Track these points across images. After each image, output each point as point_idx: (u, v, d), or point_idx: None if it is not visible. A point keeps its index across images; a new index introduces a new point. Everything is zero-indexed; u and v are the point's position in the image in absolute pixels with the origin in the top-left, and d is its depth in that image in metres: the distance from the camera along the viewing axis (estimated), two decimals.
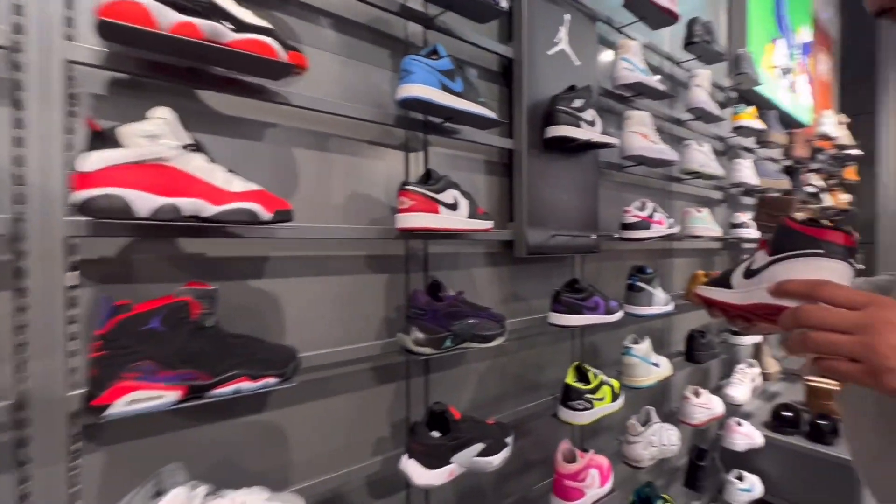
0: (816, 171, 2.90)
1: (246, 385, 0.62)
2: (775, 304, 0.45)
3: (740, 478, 1.90)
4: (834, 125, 2.92)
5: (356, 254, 0.93)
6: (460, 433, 0.83)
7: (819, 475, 1.91)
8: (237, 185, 0.62)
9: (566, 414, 1.12)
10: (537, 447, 1.32)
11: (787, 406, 2.14)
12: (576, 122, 1.11)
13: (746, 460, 2.08)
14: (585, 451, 1.18)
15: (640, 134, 1.33)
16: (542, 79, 1.17)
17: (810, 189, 2.74)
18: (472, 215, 0.90)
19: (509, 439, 0.93)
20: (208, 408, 0.71)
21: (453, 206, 0.86)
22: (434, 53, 0.85)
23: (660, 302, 1.37)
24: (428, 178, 0.85)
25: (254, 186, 0.64)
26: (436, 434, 0.83)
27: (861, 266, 3.44)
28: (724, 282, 0.53)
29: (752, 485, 1.90)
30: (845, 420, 0.59)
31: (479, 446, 0.86)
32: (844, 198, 3.28)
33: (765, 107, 2.30)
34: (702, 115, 1.67)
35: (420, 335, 0.81)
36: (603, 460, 1.24)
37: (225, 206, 0.60)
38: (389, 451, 0.95)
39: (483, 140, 1.08)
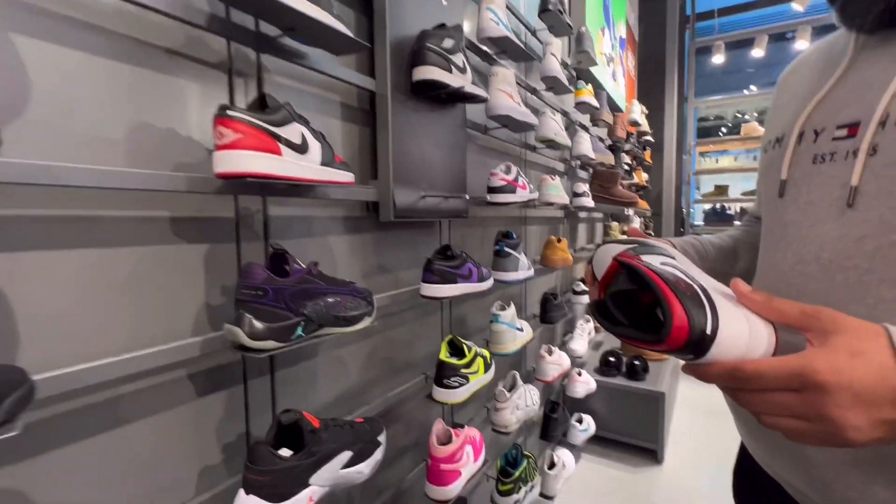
0: (628, 151, 3.40)
1: None
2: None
3: (580, 420, 2.13)
4: (640, 114, 3.45)
5: (155, 214, 0.63)
6: (320, 445, 0.64)
7: (634, 406, 2.28)
8: None
9: (442, 394, 1.01)
10: (409, 431, 1.21)
11: (611, 352, 2.49)
12: (447, 65, 0.97)
13: (584, 404, 2.37)
14: (459, 426, 1.11)
15: (507, 93, 1.27)
16: (408, 11, 0.99)
17: (625, 166, 3.20)
18: (328, 163, 0.69)
19: (382, 436, 0.78)
20: None
21: (301, 148, 0.63)
22: None
23: (524, 267, 1.36)
24: (263, 104, 0.61)
25: None
26: (286, 453, 0.63)
27: (651, 232, 4.25)
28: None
29: (588, 424, 2.16)
30: None
31: (346, 455, 0.68)
32: (644, 176, 3.96)
33: (597, 87, 2.54)
34: (555, 85, 1.71)
35: (258, 325, 0.58)
36: (475, 433, 1.19)
37: None
38: (223, 483, 0.71)
39: (338, 74, 0.86)
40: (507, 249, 1.29)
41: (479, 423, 1.46)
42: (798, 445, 0.48)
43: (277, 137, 0.59)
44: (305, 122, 0.66)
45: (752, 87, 7.09)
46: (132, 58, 0.61)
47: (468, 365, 1.04)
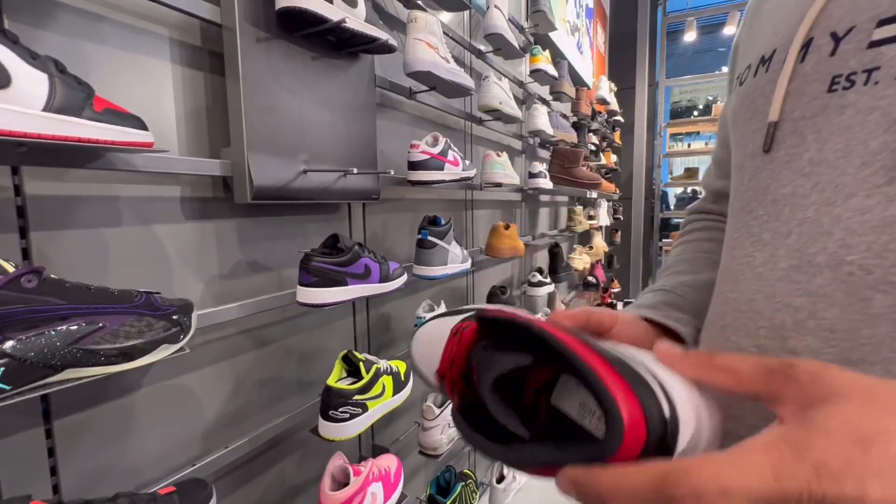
0: (595, 131, 3.20)
1: None
2: None
3: None
4: (608, 91, 3.25)
5: None
6: None
7: None
8: None
9: (327, 428, 0.78)
10: (307, 463, 0.98)
11: None
12: None
13: None
14: (369, 457, 0.89)
15: (428, 44, 1.02)
16: None
17: (591, 146, 3.00)
18: (70, 110, 0.43)
19: None
20: None
21: None
22: None
23: (457, 259, 1.14)
24: None
25: None
26: None
27: (620, 217, 4.10)
28: None
29: None
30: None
31: None
32: (613, 158, 3.78)
33: (559, 57, 2.31)
34: (501, 45, 1.47)
35: None
36: (390, 463, 0.97)
37: None
38: None
39: None
40: (431, 238, 1.05)
41: (407, 443, 1.25)
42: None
43: None
44: (11, 38, 0.40)
45: (724, 69, 7.01)
46: None
47: (365, 389, 0.81)
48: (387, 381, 0.87)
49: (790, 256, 0.30)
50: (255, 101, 0.71)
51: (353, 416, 0.78)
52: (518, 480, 1.64)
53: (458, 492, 1.20)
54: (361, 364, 0.83)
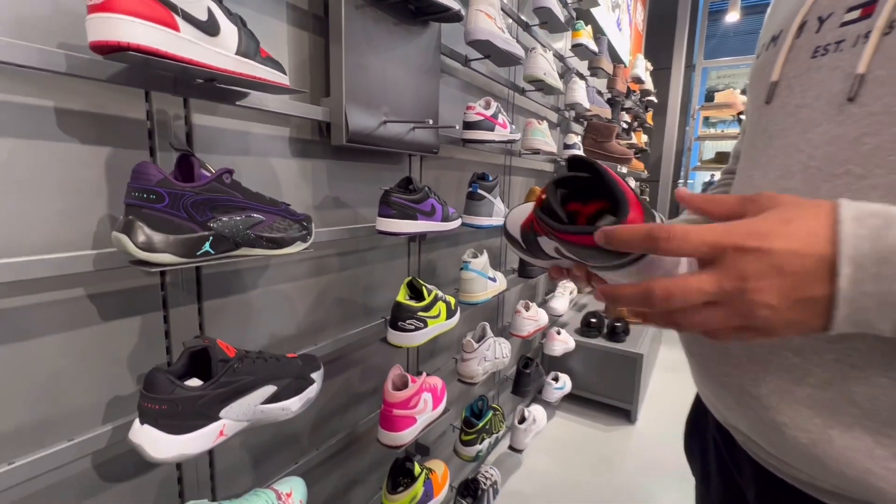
0: (628, 109, 3.24)
1: None
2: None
3: (556, 378, 2.11)
4: (644, 70, 3.26)
5: (36, 102, 0.53)
6: (233, 376, 0.57)
7: (612, 366, 2.26)
8: None
9: (396, 336, 0.95)
10: (368, 377, 1.16)
11: (594, 314, 2.45)
12: None
13: (562, 363, 2.35)
14: (421, 374, 1.06)
15: (487, 14, 1.13)
16: None
17: (623, 124, 3.05)
18: (248, 55, 0.58)
19: (317, 374, 0.72)
20: None
21: (209, 28, 0.52)
22: None
23: (500, 213, 1.27)
24: None
25: None
26: (194, 382, 0.56)
27: (646, 198, 4.15)
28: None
29: (565, 382, 2.14)
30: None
31: (268, 390, 0.62)
32: (644, 138, 3.81)
33: (599, 33, 2.36)
34: (549, 19, 1.56)
35: (151, 234, 0.50)
36: (437, 381, 1.14)
37: None
38: (133, 415, 0.65)
39: None
40: (480, 192, 1.19)
41: (447, 373, 1.42)
42: (749, 384, 0.42)
43: (171, 6, 0.48)
44: (218, 1, 0.54)
45: None
46: None
47: (427, 308, 0.97)
48: (442, 306, 1.03)
49: (777, 168, 0.43)
50: (352, 59, 0.85)
51: (416, 329, 0.95)
52: (537, 423, 1.81)
53: (489, 417, 1.38)
54: (424, 288, 0.98)
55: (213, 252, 0.55)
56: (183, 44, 0.50)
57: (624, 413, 2.27)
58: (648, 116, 3.91)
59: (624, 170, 3.12)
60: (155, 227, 0.50)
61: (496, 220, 1.26)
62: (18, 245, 0.53)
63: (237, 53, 0.56)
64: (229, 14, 0.56)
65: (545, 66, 1.52)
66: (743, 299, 0.29)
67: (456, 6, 0.94)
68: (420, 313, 0.95)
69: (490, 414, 1.39)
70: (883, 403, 0.35)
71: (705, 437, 0.59)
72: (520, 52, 1.24)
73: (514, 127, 1.32)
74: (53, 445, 0.55)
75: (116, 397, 0.64)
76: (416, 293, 1.01)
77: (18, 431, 0.55)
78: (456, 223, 1.05)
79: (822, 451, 0.37)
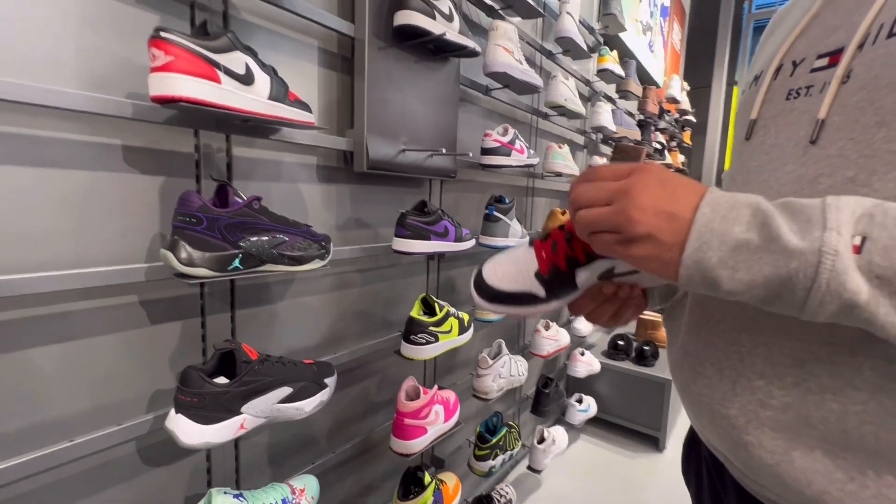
0: (662, 130, 3.21)
1: None
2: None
3: (580, 400, 2.09)
4: (679, 90, 3.23)
5: (106, 141, 0.65)
6: (254, 376, 0.65)
7: (639, 391, 2.21)
8: None
9: (408, 349, 1.01)
10: (385, 387, 1.22)
11: (622, 336, 2.41)
12: (430, 11, 0.93)
13: (587, 385, 2.32)
14: (434, 387, 1.11)
15: (505, 49, 1.20)
16: None
17: (656, 145, 3.02)
18: (279, 99, 0.68)
19: (330, 380, 0.79)
20: None
21: (245, 79, 0.62)
22: None
23: (516, 234, 1.32)
24: (205, 31, 0.60)
25: None
26: (222, 380, 0.64)
27: None
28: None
29: (589, 405, 2.12)
30: (668, 334, 0.56)
31: (284, 391, 0.70)
32: (681, 158, 3.74)
33: (627, 56, 2.39)
34: (570, 47, 1.62)
35: (191, 252, 0.59)
36: (450, 395, 1.19)
37: None
38: (171, 406, 0.74)
39: (312, 15, 0.84)
40: (496, 214, 1.25)
41: (463, 389, 1.46)
42: (720, 404, 0.44)
43: (216, 64, 0.58)
44: (252, 54, 0.65)
45: None
46: None
47: (438, 323, 1.03)
48: (454, 322, 1.08)
49: None
50: (374, 95, 0.95)
51: (427, 343, 1.01)
52: (557, 444, 1.80)
53: (502, 433, 1.40)
54: (436, 304, 1.05)
55: (241, 268, 0.64)
56: (224, 94, 0.60)
57: (651, 440, 2.21)
58: (686, 136, 3.84)
59: None
60: (195, 245, 0.60)
61: (512, 241, 1.31)
62: (90, 258, 0.64)
63: (269, 98, 0.66)
64: (263, 66, 0.66)
65: (566, 93, 1.57)
66: (626, 195, 0.36)
67: (471, 44, 1.02)
68: (431, 328, 1.01)
69: (504, 430, 1.42)
70: (834, 426, 0.37)
71: (700, 461, 0.60)
72: (537, 81, 1.30)
73: (532, 151, 1.38)
74: (105, 428, 0.65)
75: (158, 391, 0.74)
76: (429, 309, 1.07)
77: (78, 415, 0.66)
78: (469, 244, 1.12)
79: (785, 471, 0.40)
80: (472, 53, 1.07)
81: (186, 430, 0.59)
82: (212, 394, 0.61)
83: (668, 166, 3.29)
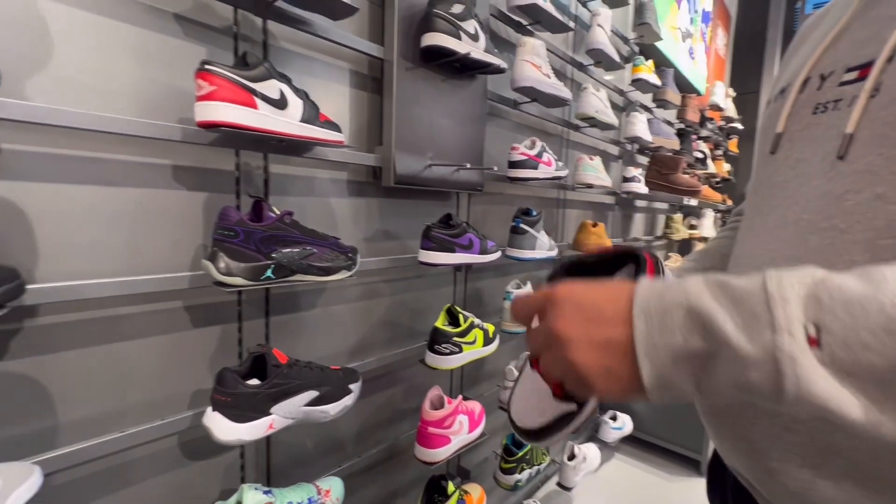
0: (705, 138, 3.09)
1: None
2: None
3: (614, 417, 2.03)
4: (723, 97, 3.11)
5: (158, 161, 0.72)
6: (283, 379, 0.69)
7: (679, 409, 2.11)
8: None
9: (432, 359, 1.03)
10: (410, 396, 1.25)
11: None
12: (455, 31, 0.96)
13: (623, 402, 2.25)
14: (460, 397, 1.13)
15: (533, 64, 1.22)
16: None
17: (698, 154, 2.91)
18: (310, 121, 0.73)
19: (354, 386, 0.82)
20: None
21: (280, 104, 0.68)
22: None
23: (543, 247, 1.32)
24: (244, 62, 0.66)
25: None
26: (254, 382, 0.69)
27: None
28: None
29: (624, 423, 2.05)
30: None
31: (311, 394, 0.74)
32: (726, 167, 3.58)
33: (665, 65, 2.33)
34: (602, 59, 1.61)
35: (229, 262, 0.65)
36: (475, 406, 1.19)
37: None
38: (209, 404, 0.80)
39: (343, 40, 0.90)
40: (522, 226, 1.26)
41: (491, 401, 1.46)
42: (744, 428, 0.43)
43: (253, 91, 0.64)
44: (287, 80, 0.70)
45: None
46: (144, 21, 0.69)
47: (462, 334, 1.05)
48: (478, 333, 1.10)
49: (776, 218, 0.46)
50: (401, 113, 0.99)
51: (451, 353, 1.02)
52: (588, 462, 1.76)
53: (529, 447, 1.39)
54: (461, 315, 1.07)
55: (274, 277, 0.69)
56: (260, 118, 0.65)
57: (692, 463, 2.10)
58: (732, 144, 3.67)
59: (693, 202, 2.97)
60: (232, 256, 0.65)
61: (539, 254, 1.31)
62: (141, 267, 0.71)
63: (301, 121, 0.71)
64: (296, 91, 0.71)
65: (597, 105, 1.57)
66: (554, 337, 0.33)
67: (496, 62, 1.05)
68: (455, 338, 1.03)
69: (530, 444, 1.40)
70: (864, 456, 0.36)
71: (725, 486, 0.59)
72: (566, 94, 1.31)
73: (561, 164, 1.38)
74: (150, 422, 0.71)
75: (199, 390, 0.80)
76: (454, 319, 1.09)
77: (127, 409, 0.72)
78: (494, 256, 1.13)
79: (811, 500, 0.39)
80: (498, 70, 1.09)
81: (221, 427, 0.64)
82: (244, 394, 0.66)
83: (712, 175, 3.17)
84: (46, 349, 0.64)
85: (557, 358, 0.33)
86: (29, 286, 0.57)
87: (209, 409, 0.67)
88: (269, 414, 0.69)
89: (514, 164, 1.27)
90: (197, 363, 0.80)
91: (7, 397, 0.61)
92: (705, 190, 2.58)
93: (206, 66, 0.60)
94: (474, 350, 1.09)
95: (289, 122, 0.69)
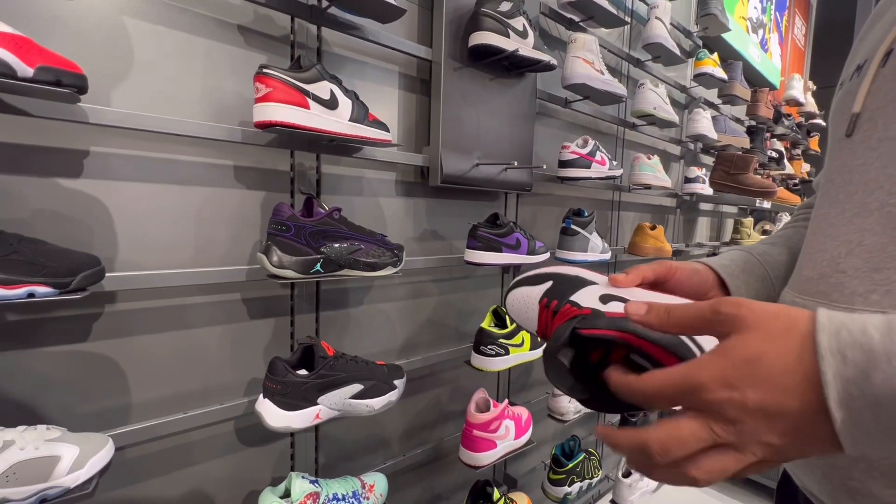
0: (780, 136, 2.84)
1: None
2: None
3: None
4: (801, 92, 2.85)
5: (222, 162, 0.77)
6: (330, 371, 0.71)
7: None
8: None
9: (478, 360, 1.02)
10: (456, 398, 1.24)
11: None
12: (503, 29, 0.96)
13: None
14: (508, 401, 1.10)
15: (585, 60, 1.19)
16: None
17: (772, 153, 2.68)
18: (359, 120, 0.75)
19: (399, 382, 0.83)
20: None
21: (330, 104, 0.71)
22: None
23: (596, 249, 1.27)
24: (299, 65, 0.70)
25: (6, 29, 0.47)
26: (302, 372, 0.72)
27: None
28: None
29: None
30: None
31: (356, 387, 0.75)
32: (805, 167, 3.26)
33: (732, 58, 2.18)
34: (661, 53, 1.53)
35: (282, 256, 0.68)
36: (522, 412, 1.16)
37: None
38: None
39: (393, 44, 0.92)
40: (574, 227, 1.21)
41: (540, 408, 1.42)
42: None
43: (306, 93, 0.67)
44: (337, 82, 0.73)
45: None
46: (211, 33, 0.75)
47: (509, 336, 1.03)
48: (526, 336, 1.07)
49: (854, 206, 0.41)
50: (449, 113, 0.99)
51: (497, 355, 1.00)
52: (645, 481, 1.65)
53: (579, 459, 1.32)
54: (507, 316, 1.04)
55: (322, 271, 0.71)
56: (312, 117, 0.68)
57: (766, 491, 1.91)
58: (812, 142, 3.35)
59: (767, 204, 2.73)
60: (284, 250, 0.68)
61: (591, 256, 1.25)
62: (204, 260, 0.76)
63: (350, 120, 0.74)
64: (346, 91, 0.74)
65: (655, 101, 1.49)
66: (743, 439, 0.26)
67: (546, 58, 1.03)
68: (502, 340, 1.01)
69: (582, 456, 1.34)
70: None
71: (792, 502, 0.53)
72: (620, 90, 1.26)
73: (615, 163, 1.32)
74: (210, 406, 0.76)
75: (253, 378, 0.84)
76: (500, 321, 1.07)
77: (191, 393, 0.77)
78: (542, 256, 1.10)
79: None
80: (548, 67, 1.07)
81: (272, 413, 0.67)
82: (293, 383, 0.68)
83: (789, 176, 2.90)
84: (124, 332, 0.70)
85: (745, 453, 0.27)
86: (108, 274, 0.63)
87: (261, 395, 0.70)
88: (317, 404, 0.71)
89: (564, 164, 1.23)
90: (252, 353, 0.84)
91: (90, 375, 0.68)
92: (780, 191, 2.36)
93: (264, 70, 0.64)
94: (521, 353, 1.06)
95: (338, 121, 0.72)
